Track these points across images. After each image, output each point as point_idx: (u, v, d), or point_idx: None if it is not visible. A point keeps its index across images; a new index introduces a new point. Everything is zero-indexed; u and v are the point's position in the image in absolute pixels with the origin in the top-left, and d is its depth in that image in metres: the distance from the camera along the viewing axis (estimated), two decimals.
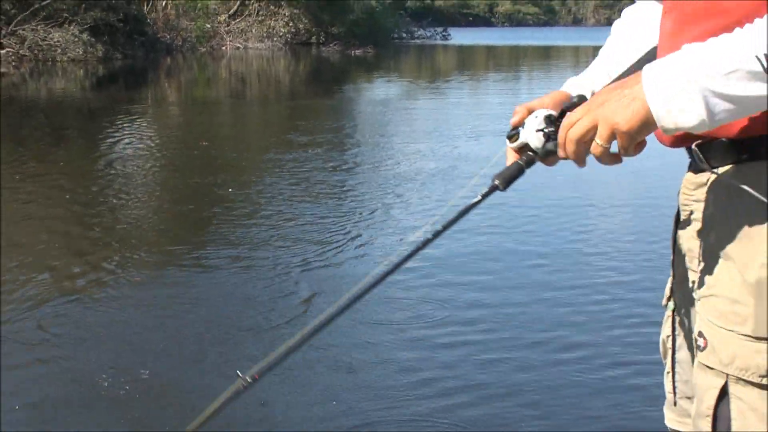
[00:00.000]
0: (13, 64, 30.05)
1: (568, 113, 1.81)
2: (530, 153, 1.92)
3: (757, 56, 1.54)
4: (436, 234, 2.01)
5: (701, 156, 1.84)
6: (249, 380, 2.03)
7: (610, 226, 8.92)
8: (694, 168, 1.94)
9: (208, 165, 12.68)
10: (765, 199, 1.71)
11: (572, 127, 1.77)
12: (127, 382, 4.94)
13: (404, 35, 70.58)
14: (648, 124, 1.68)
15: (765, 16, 1.58)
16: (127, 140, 15.51)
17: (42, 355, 5.39)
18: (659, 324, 2.09)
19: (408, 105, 22.46)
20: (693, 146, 1.85)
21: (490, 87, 29.39)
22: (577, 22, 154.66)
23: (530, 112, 1.97)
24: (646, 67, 1.69)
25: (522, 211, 9.31)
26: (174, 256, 7.82)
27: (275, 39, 49.72)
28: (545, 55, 51.57)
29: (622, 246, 7.93)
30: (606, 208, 9.69)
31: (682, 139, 1.85)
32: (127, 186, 11.32)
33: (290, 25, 51.32)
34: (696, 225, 1.95)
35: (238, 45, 47.69)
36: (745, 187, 1.74)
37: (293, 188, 10.63)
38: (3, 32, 31.15)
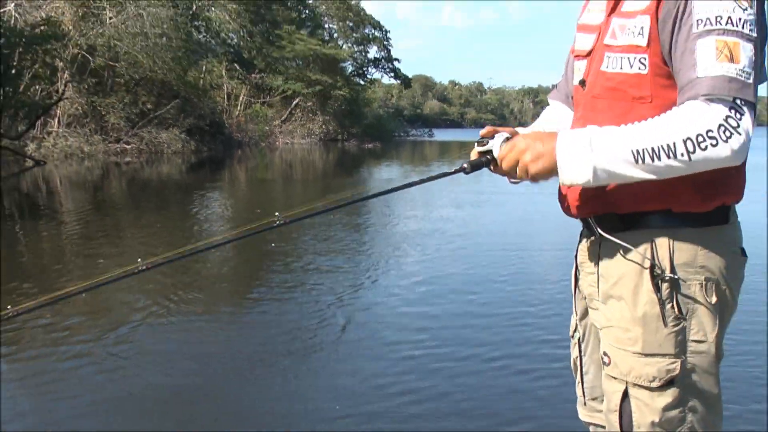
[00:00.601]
0: (136, 155, 30.36)
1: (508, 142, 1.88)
2: (489, 157, 1.95)
3: (631, 149, 1.64)
4: (408, 185, 2.16)
5: (596, 224, 1.90)
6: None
7: (531, 269, 8.68)
8: (588, 234, 1.99)
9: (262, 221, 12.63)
10: (648, 259, 1.80)
11: (504, 158, 1.85)
12: (184, 387, 4.66)
13: (402, 134, 71.10)
14: (549, 175, 1.78)
15: (649, 120, 1.67)
16: (208, 208, 15.69)
17: (119, 364, 5.11)
18: (557, 343, 2.14)
19: (405, 182, 22.55)
20: (590, 218, 1.92)
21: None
22: (521, 124, 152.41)
23: (495, 131, 1.97)
24: (560, 134, 1.75)
25: (464, 254, 9.29)
26: (233, 294, 7.72)
27: (313, 137, 50.10)
28: None
29: (537, 286, 7.61)
30: (529, 255, 9.47)
31: (583, 212, 1.93)
32: (210, 236, 11.40)
33: (323, 127, 51.74)
34: (592, 277, 1.98)
35: (287, 141, 47.98)
36: (629, 246, 1.83)
37: (322, 244, 10.54)
38: (129, 134, 31.55)
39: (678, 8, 1.69)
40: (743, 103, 1.60)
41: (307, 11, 61.48)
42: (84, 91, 30.90)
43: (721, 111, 1.60)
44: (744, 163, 1.73)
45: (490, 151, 1.96)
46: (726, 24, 1.63)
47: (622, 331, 1.85)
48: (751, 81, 1.62)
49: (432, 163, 33.59)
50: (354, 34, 64.50)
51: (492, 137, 1.97)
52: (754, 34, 1.63)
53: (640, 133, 1.65)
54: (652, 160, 1.63)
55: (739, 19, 1.63)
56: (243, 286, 8.06)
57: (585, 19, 2.05)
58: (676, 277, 1.78)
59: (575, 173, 1.72)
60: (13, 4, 27.54)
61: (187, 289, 7.58)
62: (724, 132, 1.59)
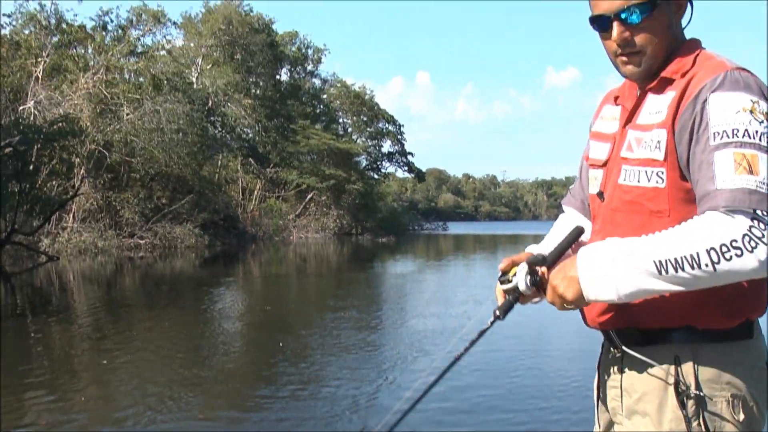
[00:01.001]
0: (149, 249, 30.47)
1: (544, 270, 1.89)
2: (517, 294, 1.92)
3: (653, 260, 1.60)
4: (460, 355, 1.99)
5: (618, 338, 1.87)
6: None
7: (553, 368, 8.57)
8: (609, 346, 1.95)
9: (272, 324, 12.49)
10: (672, 375, 1.77)
11: (547, 291, 1.82)
12: None
13: (416, 227, 71.21)
14: (582, 298, 1.73)
15: (670, 230, 1.64)
16: (220, 304, 15.65)
17: None
18: None
19: (419, 277, 22.45)
20: (612, 331, 1.88)
21: (476, 262, 29.39)
22: (535, 217, 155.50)
23: (513, 262, 1.96)
24: (580, 253, 1.73)
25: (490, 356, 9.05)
26: (247, 385, 7.70)
27: (327, 231, 50.17)
28: (513, 240, 51.64)
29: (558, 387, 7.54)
30: (549, 356, 9.41)
31: (604, 325, 1.89)
32: (218, 335, 11.36)
33: (337, 221, 51.92)
34: (615, 391, 1.93)
35: (302, 235, 48.05)
36: (653, 362, 1.80)
37: (333, 341, 10.36)
38: (144, 228, 31.75)
39: (694, 120, 1.70)
40: (765, 214, 1.56)
41: (321, 106, 62.65)
42: (99, 186, 31.27)
43: (743, 222, 1.56)
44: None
45: (515, 288, 1.93)
46: (743, 136, 1.63)
47: None
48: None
49: (447, 257, 33.51)
50: (368, 129, 65.48)
51: (512, 272, 1.96)
52: None
53: (662, 244, 1.62)
54: (676, 271, 1.59)
55: (756, 132, 1.63)
56: (252, 386, 7.89)
57: (599, 127, 2.05)
58: (702, 394, 1.74)
59: (600, 291, 1.70)
60: (32, 102, 28.20)
61: (190, 388, 7.44)
62: (749, 242, 1.54)
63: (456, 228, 77.90)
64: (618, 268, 1.65)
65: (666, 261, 1.59)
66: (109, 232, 30.18)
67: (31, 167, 24.50)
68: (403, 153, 67.31)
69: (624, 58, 1.85)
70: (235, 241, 39.23)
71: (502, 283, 1.97)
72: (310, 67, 62.99)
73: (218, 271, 24.82)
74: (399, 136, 66.63)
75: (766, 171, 1.59)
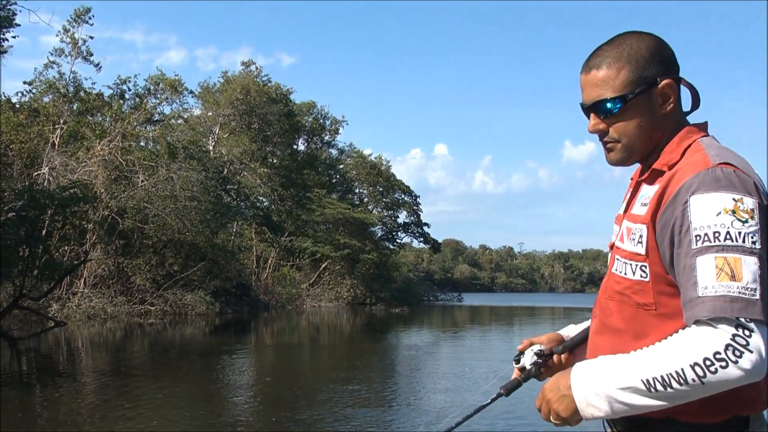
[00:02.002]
0: (159, 316, 30.25)
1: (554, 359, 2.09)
2: (524, 375, 2.09)
3: (641, 379, 1.60)
4: (457, 424, 2.16)
5: (609, 424, 1.89)
6: None
7: None
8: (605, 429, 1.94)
9: (280, 397, 12.26)
10: None
11: (542, 405, 1.83)
12: None
13: (431, 298, 70.77)
14: (576, 412, 1.74)
15: (657, 345, 1.64)
16: (228, 373, 15.44)
17: None
18: None
19: (433, 349, 22.13)
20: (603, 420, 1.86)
21: (492, 334, 29.00)
22: (551, 289, 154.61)
23: (531, 344, 2.10)
24: (574, 370, 1.75)
25: None
26: None
27: (340, 300, 49.85)
28: (530, 312, 51.26)
29: None
30: None
31: None
32: (225, 405, 11.15)
33: (351, 291, 51.63)
34: None
35: (315, 304, 47.74)
36: None
37: (338, 422, 10.05)
38: (155, 295, 31.58)
39: (675, 221, 1.68)
40: (749, 321, 1.54)
41: (337, 176, 62.97)
42: (111, 252, 31.25)
43: (726, 331, 1.55)
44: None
45: (523, 368, 2.11)
46: (725, 240, 1.60)
47: None
48: (757, 297, 1.56)
49: (462, 329, 33.10)
50: (384, 199, 65.61)
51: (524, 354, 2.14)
52: (758, 246, 1.59)
53: (650, 362, 1.63)
54: (665, 388, 1.59)
55: (739, 233, 1.59)
56: None
57: (620, 210, 2.03)
58: None
59: (593, 409, 1.71)
60: (47, 167, 28.40)
61: None
62: (733, 352, 1.53)
63: (471, 299, 77.36)
64: (609, 389, 1.66)
65: (653, 379, 1.60)
66: (119, 298, 30.04)
67: (42, 233, 24.58)
68: (419, 223, 67.27)
69: (604, 147, 1.90)
70: (247, 309, 38.96)
71: (515, 362, 2.14)
72: (327, 138, 63.56)
73: (228, 339, 24.58)
74: (415, 207, 66.71)
75: (750, 275, 1.57)
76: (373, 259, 53.90)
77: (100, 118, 33.92)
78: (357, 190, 65.95)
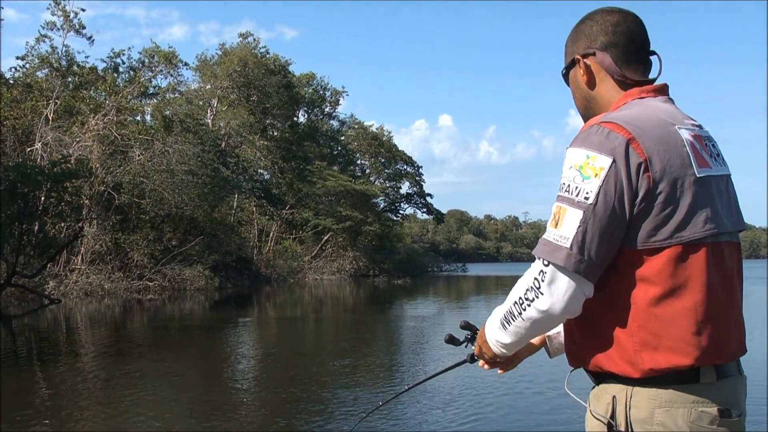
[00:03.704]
0: (158, 292, 30.07)
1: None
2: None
3: (500, 318, 1.97)
4: (417, 384, 2.73)
5: (589, 376, 1.98)
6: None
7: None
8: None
9: (282, 369, 12.10)
10: (606, 415, 1.85)
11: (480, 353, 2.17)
12: None
13: (435, 269, 70.67)
14: (494, 354, 2.11)
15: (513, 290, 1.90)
16: (230, 347, 15.32)
17: None
18: None
19: (439, 320, 21.90)
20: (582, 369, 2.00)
21: (499, 303, 28.73)
22: None
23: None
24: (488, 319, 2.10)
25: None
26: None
27: (343, 272, 49.76)
28: None
29: None
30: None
31: (571, 364, 2.02)
32: (227, 379, 11.01)
33: (353, 263, 51.48)
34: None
35: (317, 277, 47.65)
36: (583, 403, 1.98)
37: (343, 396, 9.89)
38: (153, 270, 31.39)
39: None
40: (551, 265, 1.76)
41: (339, 148, 62.57)
42: (108, 228, 30.98)
43: (533, 272, 1.82)
44: (693, 321, 1.77)
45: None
46: (564, 191, 1.79)
47: None
48: (568, 245, 1.74)
49: (467, 298, 32.86)
50: (386, 170, 65.31)
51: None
52: (589, 202, 1.74)
53: (506, 301, 1.94)
54: (509, 323, 1.93)
55: (576, 188, 1.76)
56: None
57: None
58: (629, 430, 1.81)
59: (493, 347, 2.07)
60: (40, 143, 28.08)
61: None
62: (532, 292, 1.81)
63: (476, 269, 77.20)
64: (492, 330, 2.04)
65: (504, 316, 1.95)
66: (117, 274, 29.83)
67: (38, 209, 24.31)
68: (422, 194, 67.02)
69: None
70: (248, 283, 38.81)
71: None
72: (327, 109, 63.13)
73: (229, 313, 24.38)
74: (417, 178, 66.43)
75: (568, 225, 1.75)
76: (376, 231, 53.73)
77: (95, 93, 33.48)
78: (358, 162, 65.69)
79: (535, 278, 1.79)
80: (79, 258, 29.67)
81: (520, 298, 1.83)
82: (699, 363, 1.78)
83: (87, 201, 29.08)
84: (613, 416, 1.83)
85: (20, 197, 21.33)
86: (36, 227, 24.45)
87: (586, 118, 2.03)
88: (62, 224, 28.14)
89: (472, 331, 2.28)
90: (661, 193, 1.74)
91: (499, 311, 1.96)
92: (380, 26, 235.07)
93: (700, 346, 1.77)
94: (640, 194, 1.74)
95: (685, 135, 1.83)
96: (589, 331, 1.87)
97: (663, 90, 1.98)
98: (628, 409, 1.82)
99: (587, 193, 1.74)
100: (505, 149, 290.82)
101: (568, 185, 1.77)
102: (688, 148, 1.81)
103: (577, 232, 1.74)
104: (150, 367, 12.31)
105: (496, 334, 1.99)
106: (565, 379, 2.13)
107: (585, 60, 2.01)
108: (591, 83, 2.01)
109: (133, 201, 31.20)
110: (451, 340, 2.34)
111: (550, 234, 1.78)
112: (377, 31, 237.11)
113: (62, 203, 24.91)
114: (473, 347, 2.23)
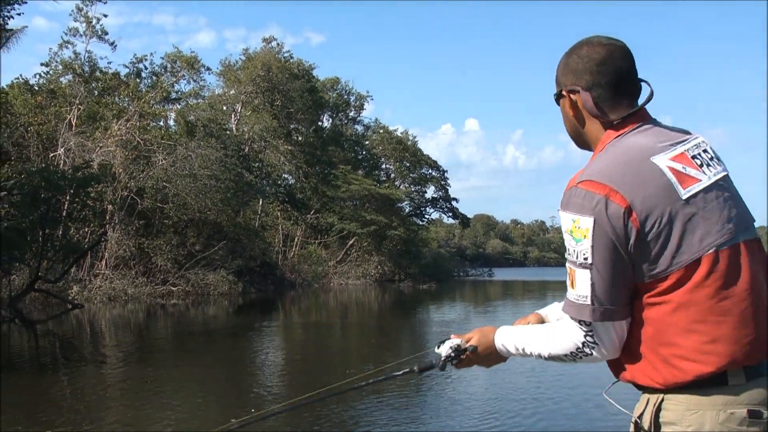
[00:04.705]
0: (181, 297, 30.00)
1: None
2: (442, 362, 2.31)
3: (533, 353, 2.13)
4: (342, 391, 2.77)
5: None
6: None
7: None
8: None
9: (307, 375, 11.92)
10: (637, 419, 2.00)
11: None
12: None
13: (461, 274, 70.35)
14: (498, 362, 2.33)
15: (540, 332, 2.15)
16: (255, 352, 15.31)
17: None
18: None
19: (465, 326, 21.58)
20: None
21: (526, 308, 28.41)
22: None
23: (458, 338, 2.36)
24: (497, 334, 2.26)
25: None
26: None
27: (368, 277, 49.51)
28: (562, 286, 50.38)
29: None
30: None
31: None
32: (251, 384, 10.87)
33: (379, 267, 51.22)
34: None
35: (342, 282, 47.48)
36: (622, 409, 2.14)
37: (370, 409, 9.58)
38: (177, 275, 31.32)
39: None
40: (581, 323, 1.95)
41: (363, 152, 62.41)
42: (132, 233, 30.98)
43: (572, 329, 2.00)
44: (706, 331, 1.85)
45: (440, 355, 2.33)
46: (568, 254, 1.96)
47: None
48: (588, 303, 1.91)
49: (494, 303, 32.50)
50: (411, 174, 64.98)
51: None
52: (589, 261, 1.89)
53: (533, 343, 2.14)
54: (538, 357, 2.13)
55: (574, 251, 1.92)
56: None
57: None
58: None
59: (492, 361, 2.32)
60: (62, 149, 28.13)
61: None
62: (587, 348, 1.98)
63: (503, 274, 76.74)
64: (512, 347, 2.21)
65: (539, 354, 2.12)
66: (140, 279, 29.78)
67: (61, 214, 24.34)
68: (447, 198, 66.65)
69: None
70: (273, 288, 38.69)
71: (436, 347, 2.37)
72: (352, 114, 63.02)
73: (253, 318, 24.25)
74: (443, 182, 66.03)
75: (582, 284, 1.92)
76: (401, 235, 53.46)
77: (118, 99, 33.54)
78: (383, 166, 65.40)
79: (586, 334, 1.96)
80: (103, 263, 29.67)
81: (572, 352, 2.00)
82: (722, 368, 1.86)
83: (110, 206, 29.10)
84: (641, 416, 1.97)
85: (43, 202, 21.29)
86: (59, 232, 24.46)
87: (577, 142, 2.16)
88: (86, 229, 28.19)
89: (456, 352, 2.30)
90: (652, 230, 1.85)
91: (523, 343, 2.16)
92: (407, 30, 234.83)
93: (718, 353, 1.86)
94: (632, 238, 1.86)
95: (664, 163, 1.91)
96: (623, 355, 2.00)
97: (641, 117, 2.04)
98: (657, 411, 1.93)
99: (585, 254, 1.90)
100: (531, 153, 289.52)
101: (569, 249, 1.94)
102: (668, 175, 1.89)
103: (591, 290, 1.91)
104: (173, 372, 12.26)
105: (511, 353, 2.23)
106: (606, 387, 2.21)
107: (571, 96, 2.08)
108: (579, 119, 2.10)
109: (157, 206, 31.20)
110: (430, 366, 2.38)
111: (571, 295, 1.96)
112: (404, 35, 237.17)
113: (85, 208, 24.91)
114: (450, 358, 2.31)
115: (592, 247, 1.88)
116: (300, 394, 9.70)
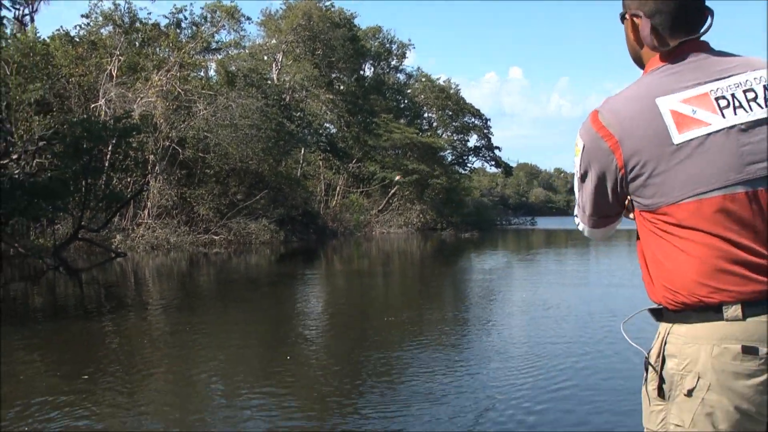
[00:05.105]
0: (224, 245, 30.17)
1: None
2: None
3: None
4: None
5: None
6: None
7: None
8: None
9: (352, 322, 11.90)
10: (650, 348, 2.08)
11: None
12: None
13: (503, 222, 69.96)
14: None
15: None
16: (296, 299, 15.31)
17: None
18: None
19: (507, 274, 21.39)
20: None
21: (569, 258, 28.08)
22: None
23: None
24: None
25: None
26: (329, 385, 7.23)
27: (410, 226, 49.40)
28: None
29: None
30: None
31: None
32: (296, 332, 10.81)
33: (421, 216, 51.05)
34: None
35: (384, 230, 47.44)
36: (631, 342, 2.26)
37: (417, 339, 9.67)
38: (219, 224, 31.48)
39: None
40: (576, 216, 2.31)
41: (405, 101, 61.88)
42: (174, 183, 31.14)
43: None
44: (700, 267, 1.92)
45: None
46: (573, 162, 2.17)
47: None
48: (577, 202, 2.24)
49: (537, 252, 32.18)
50: (453, 123, 64.34)
51: None
52: (578, 173, 2.14)
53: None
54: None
55: (573, 162, 2.15)
56: (334, 385, 7.28)
57: None
58: (659, 363, 2.00)
59: None
60: (103, 100, 28.21)
61: (265, 388, 6.70)
62: (578, 223, 2.32)
63: (546, 223, 75.98)
64: None
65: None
66: (183, 228, 30.00)
67: (104, 164, 24.52)
68: (490, 147, 65.93)
69: None
70: (315, 237, 38.78)
71: None
72: (394, 62, 62.39)
73: (295, 267, 24.27)
74: (485, 130, 65.27)
75: (576, 188, 2.20)
76: (443, 184, 53.13)
77: (158, 49, 33.48)
78: (425, 115, 64.82)
79: (576, 216, 2.31)
80: (146, 212, 29.90)
81: (576, 213, 2.31)
82: (717, 301, 1.91)
83: (152, 156, 29.24)
84: (650, 350, 2.06)
85: (85, 152, 21.41)
86: (102, 182, 24.64)
87: (637, 64, 2.19)
88: (128, 179, 28.39)
89: None
90: (634, 170, 1.96)
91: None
92: None
93: (713, 287, 1.91)
94: (617, 175, 2.01)
95: (668, 105, 1.94)
96: (644, 269, 2.10)
97: (694, 47, 2.03)
98: (664, 344, 2.01)
99: (576, 167, 2.12)
100: (577, 101, 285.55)
101: (573, 159, 2.13)
102: (666, 118, 1.92)
103: (579, 196, 2.20)
104: (216, 318, 12.32)
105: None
106: (625, 319, 2.36)
107: (634, 19, 2.10)
108: (639, 42, 2.13)
109: (198, 156, 31.27)
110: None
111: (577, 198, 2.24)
112: None
113: (127, 158, 25.05)
114: None
115: (580, 163, 2.10)
116: (341, 337, 9.80)
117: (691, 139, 1.91)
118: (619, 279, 17.12)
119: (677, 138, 1.91)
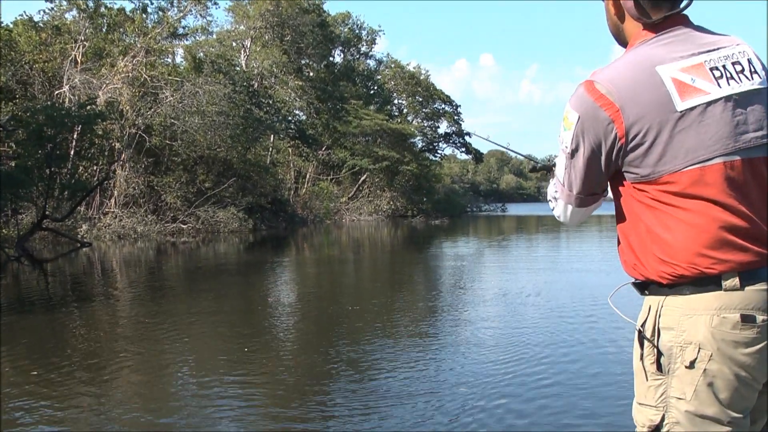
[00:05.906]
0: (192, 234, 29.87)
1: None
2: None
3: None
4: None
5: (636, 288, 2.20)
6: None
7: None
8: None
9: (323, 310, 11.74)
10: (641, 321, 2.07)
11: None
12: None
13: (474, 209, 70.14)
14: None
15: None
16: (266, 288, 15.13)
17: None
18: None
19: (478, 260, 21.38)
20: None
21: (539, 243, 28.18)
22: None
23: None
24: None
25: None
26: (300, 375, 6.98)
27: (380, 213, 49.38)
28: None
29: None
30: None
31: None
32: (265, 320, 10.69)
33: (391, 203, 51.02)
34: None
35: (354, 218, 47.38)
36: (622, 315, 2.33)
37: (388, 327, 9.65)
38: (186, 213, 31.18)
39: None
40: (548, 193, 2.35)
41: (375, 87, 61.69)
42: (141, 171, 30.74)
43: (553, 188, 2.31)
44: (696, 237, 1.93)
45: None
46: (558, 137, 2.15)
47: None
48: (561, 181, 2.19)
49: (508, 237, 32.26)
50: (423, 110, 64.28)
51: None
52: (568, 149, 2.09)
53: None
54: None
55: (560, 137, 2.12)
56: (305, 376, 7.18)
57: None
58: (655, 337, 2.00)
59: None
60: (68, 86, 27.73)
61: (234, 378, 6.66)
62: (553, 202, 2.31)
63: (517, 209, 76.36)
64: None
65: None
66: (150, 217, 29.65)
67: (69, 152, 24.11)
68: (460, 134, 65.91)
69: None
70: (284, 225, 38.53)
71: None
72: (364, 49, 62.15)
73: (263, 255, 24.08)
74: (456, 117, 65.24)
75: (560, 168, 2.18)
76: (413, 171, 53.07)
77: (124, 35, 32.97)
78: (395, 102, 64.69)
79: (554, 196, 2.28)
80: (112, 201, 29.52)
81: (552, 197, 2.31)
82: (716, 271, 1.93)
83: (118, 144, 28.82)
84: (644, 324, 2.04)
85: (48, 140, 21.01)
86: (66, 170, 24.24)
87: (617, 40, 2.21)
88: (94, 167, 27.99)
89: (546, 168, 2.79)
90: (636, 138, 1.94)
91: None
92: None
93: (711, 257, 1.93)
94: (615, 146, 1.98)
95: (669, 73, 1.94)
96: (627, 245, 2.10)
97: (678, 21, 2.06)
98: (658, 317, 2.00)
99: (566, 142, 2.08)
100: (548, 88, 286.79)
101: (559, 135, 2.12)
102: (668, 86, 1.93)
103: (565, 174, 2.16)
104: (185, 307, 12.15)
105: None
106: (611, 293, 2.34)
107: None
108: (620, 17, 2.15)
109: (165, 143, 30.93)
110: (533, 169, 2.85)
111: (556, 170, 2.22)
112: None
113: (93, 146, 24.66)
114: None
115: (572, 138, 2.06)
116: (310, 326, 9.65)
117: (693, 107, 1.93)
118: (591, 263, 17.17)
119: (680, 105, 1.93)
